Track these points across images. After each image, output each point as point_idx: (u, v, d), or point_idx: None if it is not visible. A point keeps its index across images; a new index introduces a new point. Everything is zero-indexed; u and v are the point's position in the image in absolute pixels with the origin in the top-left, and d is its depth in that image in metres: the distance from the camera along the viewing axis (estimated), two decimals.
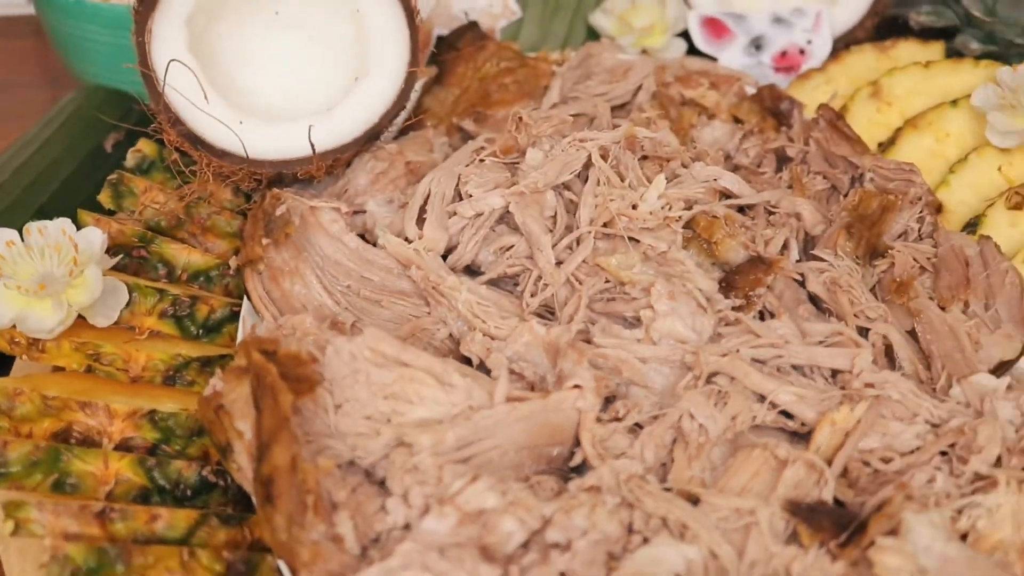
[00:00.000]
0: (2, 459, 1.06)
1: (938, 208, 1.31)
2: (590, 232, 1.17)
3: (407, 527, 0.93)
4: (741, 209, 1.24)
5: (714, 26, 1.58)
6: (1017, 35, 1.50)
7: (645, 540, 0.93)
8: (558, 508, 0.92)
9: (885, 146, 1.41)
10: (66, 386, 1.12)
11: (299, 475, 0.91)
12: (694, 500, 0.97)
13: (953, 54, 1.56)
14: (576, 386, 1.04)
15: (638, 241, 1.16)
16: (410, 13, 1.31)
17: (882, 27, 1.65)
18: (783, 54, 1.57)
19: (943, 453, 1.03)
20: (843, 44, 1.59)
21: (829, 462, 1.00)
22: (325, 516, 0.90)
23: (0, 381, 1.11)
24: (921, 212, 1.23)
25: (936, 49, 1.53)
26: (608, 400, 1.09)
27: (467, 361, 1.15)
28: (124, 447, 1.10)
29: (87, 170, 1.40)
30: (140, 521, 1.02)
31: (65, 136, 1.43)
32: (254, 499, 1.00)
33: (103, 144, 1.44)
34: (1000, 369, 1.10)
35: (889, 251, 1.19)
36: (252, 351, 0.99)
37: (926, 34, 1.60)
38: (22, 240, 1.17)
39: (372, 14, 1.33)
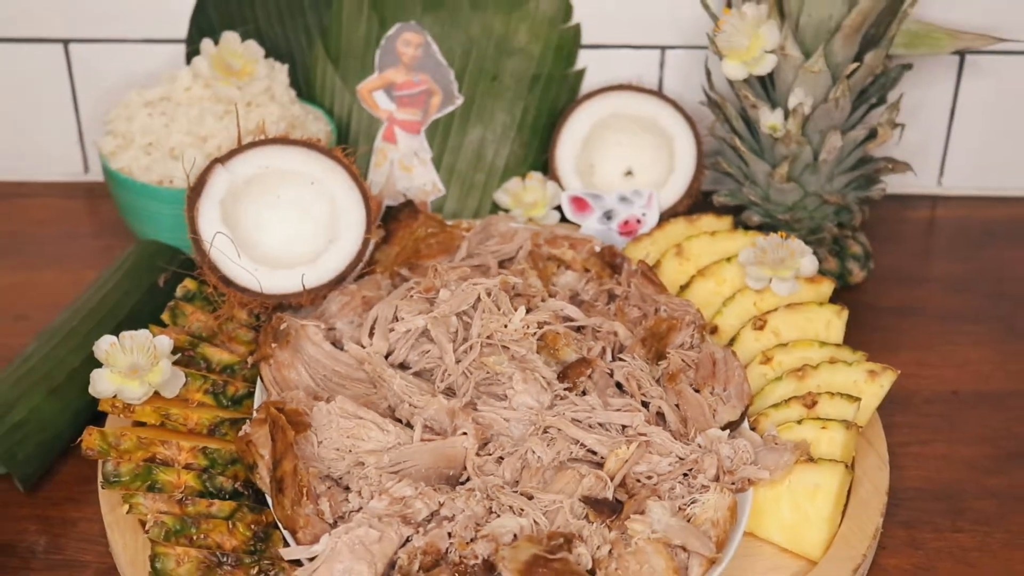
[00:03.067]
0: (117, 472, 1.45)
1: (713, 329, 1.82)
2: (478, 342, 1.60)
3: (360, 508, 1.47)
4: (579, 328, 1.73)
5: (579, 202, 2.07)
6: (782, 212, 2.00)
7: (498, 516, 1.44)
8: (448, 497, 1.45)
9: (684, 288, 1.86)
10: (149, 433, 1.52)
11: (298, 476, 1.44)
12: (530, 497, 1.47)
13: (740, 224, 2.04)
14: (464, 433, 1.54)
15: (507, 348, 1.62)
16: (367, 199, 1.80)
17: (695, 204, 2.13)
18: (626, 223, 2.03)
19: (685, 475, 1.53)
20: (667, 216, 2.03)
21: (612, 477, 1.52)
22: (313, 500, 1.44)
23: (110, 429, 1.49)
24: (692, 332, 1.72)
25: (727, 221, 1.96)
26: (484, 443, 1.51)
27: (399, 421, 1.61)
28: (188, 468, 1.49)
29: (147, 298, 1.84)
30: (203, 507, 1.43)
31: (130, 276, 1.85)
32: (268, 495, 1.43)
33: (157, 281, 1.86)
34: (728, 427, 1.61)
35: (668, 355, 1.73)
36: (270, 407, 1.51)
37: (724, 210, 2.06)
38: (119, 343, 1.61)
39: (341, 199, 1.79)
